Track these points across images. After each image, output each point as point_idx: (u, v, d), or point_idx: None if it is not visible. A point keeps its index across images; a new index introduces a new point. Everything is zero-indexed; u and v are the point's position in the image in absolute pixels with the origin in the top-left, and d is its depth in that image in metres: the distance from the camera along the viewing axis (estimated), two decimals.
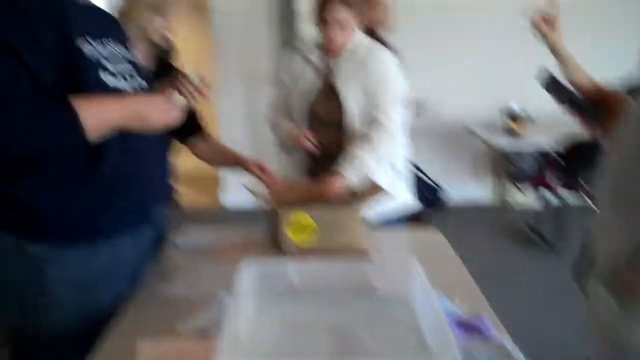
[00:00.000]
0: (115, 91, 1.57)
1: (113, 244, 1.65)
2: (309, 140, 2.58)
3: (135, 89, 1.65)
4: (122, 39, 1.71)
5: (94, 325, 1.55)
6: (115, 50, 1.63)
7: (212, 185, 6.18)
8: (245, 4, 5.56)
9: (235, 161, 2.34)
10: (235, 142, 5.45)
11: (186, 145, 2.44)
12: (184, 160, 6.97)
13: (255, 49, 5.60)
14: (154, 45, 2.31)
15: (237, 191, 4.91)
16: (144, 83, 1.72)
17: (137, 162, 1.64)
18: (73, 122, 1.42)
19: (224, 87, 5.71)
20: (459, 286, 1.71)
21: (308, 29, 5.32)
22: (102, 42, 1.59)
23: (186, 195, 6.07)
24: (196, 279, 1.83)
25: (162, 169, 1.79)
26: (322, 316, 1.47)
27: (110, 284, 1.66)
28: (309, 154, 2.64)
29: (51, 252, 1.56)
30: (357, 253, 1.93)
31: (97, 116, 1.47)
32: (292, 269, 1.55)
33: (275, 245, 2.08)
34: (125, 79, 1.63)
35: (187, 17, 6.59)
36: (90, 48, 1.53)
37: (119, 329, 1.53)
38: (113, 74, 1.58)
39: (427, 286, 1.39)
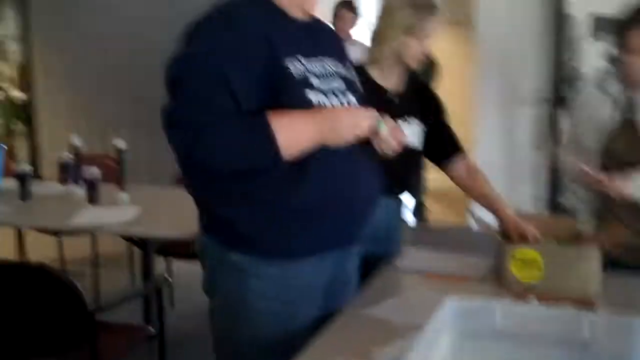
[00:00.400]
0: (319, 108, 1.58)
1: (313, 263, 1.64)
2: (602, 181, 2.14)
3: (344, 106, 1.65)
4: (339, 55, 1.71)
5: (292, 341, 1.57)
6: (328, 67, 1.64)
7: (461, 203, 6.06)
8: (512, 21, 5.36)
9: (490, 203, 2.18)
10: (490, 163, 5.30)
11: (440, 167, 2.33)
12: (434, 175, 7.00)
13: (519, 68, 5.37)
14: (407, 67, 2.23)
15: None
16: (354, 100, 1.69)
17: (340, 183, 1.61)
18: (268, 141, 1.45)
19: (483, 106, 5.56)
20: None
21: (587, 55, 4.98)
22: (313, 59, 1.60)
23: (434, 211, 6.03)
24: (404, 304, 1.78)
25: (368, 189, 1.71)
26: None
27: (309, 301, 1.66)
28: (601, 195, 2.26)
29: (253, 264, 1.59)
30: (581, 300, 1.73)
31: (290, 134, 1.47)
32: (500, 309, 1.43)
33: (498, 278, 1.96)
34: (335, 95, 1.62)
35: (450, 32, 6.55)
36: (299, 66, 1.56)
37: (317, 347, 1.52)
38: (322, 92, 1.59)
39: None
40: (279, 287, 1.61)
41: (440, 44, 6.55)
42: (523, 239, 2.00)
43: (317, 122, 1.52)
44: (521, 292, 1.85)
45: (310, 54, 1.61)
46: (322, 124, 1.52)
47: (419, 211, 6.19)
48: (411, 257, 2.20)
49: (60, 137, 4.17)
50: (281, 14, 1.61)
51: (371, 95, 2.05)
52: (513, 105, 5.44)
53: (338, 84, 1.66)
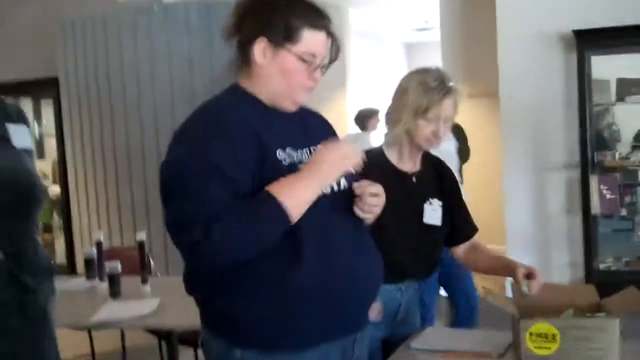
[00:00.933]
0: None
1: (319, 352, 1.60)
2: None
3: (335, 192, 1.64)
4: (330, 140, 1.71)
5: None
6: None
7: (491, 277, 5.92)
8: (537, 88, 5.37)
9: (506, 268, 2.13)
10: (523, 230, 5.22)
11: (450, 249, 2.31)
12: None
13: (548, 133, 5.33)
14: (421, 149, 2.21)
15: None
16: (344, 182, 1.67)
17: (340, 270, 1.58)
18: (279, 212, 1.47)
19: (513, 173, 5.52)
20: None
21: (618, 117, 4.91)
22: (303, 149, 1.63)
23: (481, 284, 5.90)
24: None
25: (370, 273, 1.68)
26: None
27: None
28: None
29: (258, 358, 1.57)
30: None
31: (294, 199, 1.50)
32: None
33: (516, 354, 1.91)
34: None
35: (475, 103, 6.58)
36: (288, 156, 1.58)
37: None
38: None
39: None
40: None
41: (466, 115, 6.61)
42: (530, 276, 2.00)
43: (309, 176, 1.53)
44: None
45: (299, 144, 1.63)
46: (313, 174, 1.54)
47: None
48: (427, 337, 2.15)
49: (92, 230, 4.29)
50: (268, 109, 1.63)
51: (390, 178, 2.07)
52: (543, 171, 5.38)
53: None
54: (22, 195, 1.69)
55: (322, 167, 1.54)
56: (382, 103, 7.79)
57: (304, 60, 1.59)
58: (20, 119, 1.83)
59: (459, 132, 5.91)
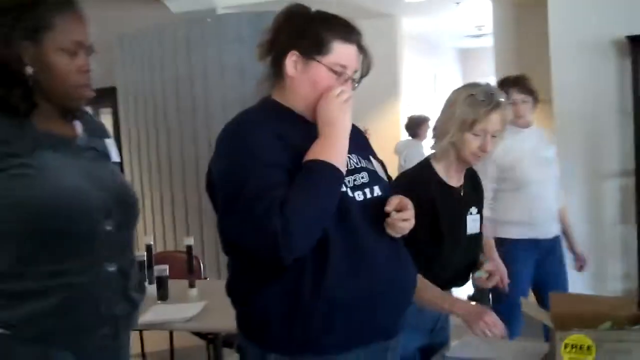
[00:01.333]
0: (348, 200, 1.61)
1: (351, 357, 1.61)
2: None
3: (368, 198, 1.66)
4: (361, 149, 1.75)
5: None
6: (351, 162, 1.68)
7: None
8: (590, 93, 5.27)
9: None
10: (579, 240, 5.12)
11: None
12: None
13: (601, 141, 5.24)
14: (468, 163, 2.20)
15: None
16: (378, 191, 1.69)
17: (373, 275, 1.60)
18: (332, 169, 1.55)
19: (567, 182, 5.41)
20: None
21: None
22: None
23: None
24: None
25: (403, 280, 1.70)
26: None
27: None
28: None
29: None
30: None
31: (333, 154, 1.56)
32: None
33: None
34: (359, 188, 1.65)
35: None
36: None
37: None
38: (348, 187, 1.63)
39: None
40: None
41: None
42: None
43: (326, 134, 1.59)
44: None
45: None
46: (327, 129, 1.59)
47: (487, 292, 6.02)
48: (462, 346, 2.16)
49: (147, 234, 4.41)
50: (298, 119, 1.67)
51: (440, 194, 2.14)
52: (598, 179, 5.27)
53: (362, 178, 1.69)
54: (132, 209, 1.69)
55: (328, 118, 1.59)
56: (435, 111, 7.80)
57: (334, 72, 1.63)
58: (108, 133, 1.82)
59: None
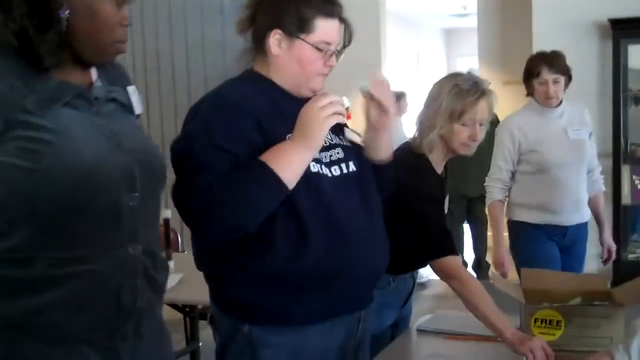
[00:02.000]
0: (318, 178, 1.61)
1: (323, 329, 1.64)
2: None
3: (344, 174, 1.67)
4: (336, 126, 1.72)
5: None
6: (326, 139, 1.65)
7: None
8: (572, 80, 5.30)
9: None
10: None
11: None
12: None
13: None
14: (456, 153, 2.16)
15: None
16: (354, 166, 1.69)
17: (345, 249, 1.60)
18: (274, 180, 1.51)
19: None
20: None
21: None
22: None
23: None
24: None
25: (376, 252, 1.70)
26: None
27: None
28: None
29: (263, 334, 1.60)
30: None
31: (286, 166, 1.53)
32: None
33: None
34: (335, 164, 1.66)
35: (512, 90, 6.52)
36: None
37: None
38: (320, 162, 1.62)
39: None
40: (291, 354, 1.62)
41: (502, 102, 6.54)
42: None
43: (295, 141, 1.55)
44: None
45: None
46: (297, 137, 1.55)
47: (479, 267, 6.11)
48: (432, 319, 2.19)
49: None
50: (281, 93, 1.66)
51: (438, 184, 2.14)
52: None
53: (338, 153, 1.69)
54: (158, 174, 1.38)
55: (305, 127, 1.55)
56: (417, 88, 7.78)
57: (319, 49, 1.62)
58: (129, 79, 1.47)
59: (492, 120, 5.92)
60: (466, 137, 2.08)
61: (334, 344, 1.68)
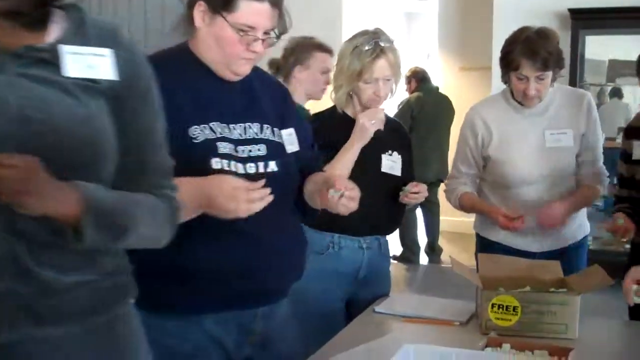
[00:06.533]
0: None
1: (213, 320, 1.58)
2: None
3: (260, 173, 1.57)
4: (274, 116, 1.66)
5: None
6: (251, 131, 1.59)
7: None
8: None
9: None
10: None
11: None
12: (449, 217, 6.91)
13: None
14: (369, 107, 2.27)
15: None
16: (274, 166, 1.60)
17: (234, 245, 1.54)
18: None
19: None
20: None
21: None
22: (232, 124, 1.57)
23: (448, 251, 5.96)
24: (373, 350, 1.75)
25: (283, 248, 1.62)
26: None
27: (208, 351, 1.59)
28: None
29: (148, 316, 1.44)
30: (557, 348, 1.68)
31: None
32: (456, 356, 1.41)
33: (477, 323, 1.95)
34: (252, 161, 1.57)
35: (471, 77, 6.57)
36: (210, 132, 1.53)
37: None
38: (233, 158, 1.53)
39: None
40: (176, 345, 1.56)
41: (459, 87, 6.60)
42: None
43: (197, 196, 1.43)
44: (497, 339, 1.81)
45: (233, 118, 1.57)
46: (200, 198, 1.43)
47: (432, 251, 6.17)
48: (392, 302, 2.18)
49: None
50: (208, 74, 1.58)
51: (347, 130, 2.22)
52: None
53: (259, 150, 1.59)
54: (58, 157, 1.08)
55: (210, 202, 1.42)
56: None
57: (240, 31, 1.53)
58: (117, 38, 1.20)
59: (446, 102, 5.96)
60: (372, 93, 2.21)
61: (226, 337, 1.61)
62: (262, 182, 1.44)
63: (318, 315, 2.14)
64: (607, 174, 2.40)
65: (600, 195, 2.40)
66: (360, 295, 2.26)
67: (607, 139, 5.79)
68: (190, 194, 1.41)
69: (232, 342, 1.62)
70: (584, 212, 2.47)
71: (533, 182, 2.36)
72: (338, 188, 1.57)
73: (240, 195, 1.41)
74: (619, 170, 2.41)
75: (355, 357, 1.70)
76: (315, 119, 2.36)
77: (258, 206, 1.43)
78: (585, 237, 2.50)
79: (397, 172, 2.31)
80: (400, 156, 2.33)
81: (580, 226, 2.45)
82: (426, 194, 2.28)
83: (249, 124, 1.60)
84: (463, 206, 2.48)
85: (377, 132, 2.25)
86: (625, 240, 2.14)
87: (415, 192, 2.22)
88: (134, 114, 1.20)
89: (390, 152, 2.31)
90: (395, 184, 2.27)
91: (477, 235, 2.56)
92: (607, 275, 1.91)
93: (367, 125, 2.19)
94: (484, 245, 2.48)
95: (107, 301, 1.21)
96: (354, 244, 2.24)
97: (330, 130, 2.22)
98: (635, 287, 1.64)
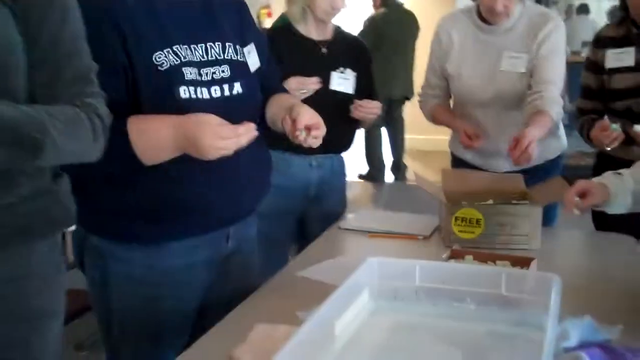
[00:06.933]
0: (190, 104, 1.44)
1: (183, 247, 1.55)
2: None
3: (226, 96, 1.51)
4: (235, 35, 1.58)
5: (162, 324, 1.55)
6: (213, 52, 1.51)
7: (441, 160, 6.03)
8: None
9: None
10: None
11: None
12: (414, 135, 6.96)
13: None
14: (324, 22, 2.30)
15: None
16: (239, 88, 1.54)
17: (205, 173, 1.49)
18: (125, 150, 1.36)
19: None
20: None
21: None
22: (199, 46, 1.49)
23: (413, 169, 6.02)
24: (339, 265, 1.77)
25: (249, 170, 1.58)
26: (437, 322, 1.34)
27: (183, 283, 1.57)
28: None
29: (112, 247, 1.51)
30: (518, 258, 1.71)
31: (147, 144, 1.38)
32: (420, 268, 1.43)
33: (442, 237, 1.98)
34: (217, 84, 1.50)
35: None
36: (174, 58, 1.44)
37: (243, 310, 1.51)
38: (198, 83, 1.46)
39: (556, 310, 1.18)
40: (147, 270, 1.53)
41: (425, 4, 6.47)
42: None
43: (177, 138, 1.38)
44: (460, 251, 1.85)
45: (194, 39, 1.49)
46: (180, 140, 1.38)
47: (397, 170, 6.23)
48: (359, 218, 2.20)
49: None
50: None
51: (298, 47, 2.25)
52: None
53: (223, 72, 1.52)
54: None
55: (196, 143, 1.36)
56: None
57: None
58: None
59: (411, 19, 5.88)
60: (328, 5, 2.22)
61: (197, 259, 1.58)
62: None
63: (268, 232, 2.08)
64: (561, 102, 2.25)
65: (550, 124, 2.20)
66: (312, 213, 2.30)
67: (572, 52, 5.83)
68: (167, 136, 1.38)
69: (201, 265, 1.60)
70: (560, 128, 2.45)
71: (487, 103, 2.33)
72: (301, 128, 1.51)
73: (227, 133, 1.36)
74: (584, 81, 2.38)
75: (321, 272, 1.71)
76: (269, 33, 2.34)
77: (244, 140, 1.38)
78: (559, 156, 2.48)
79: (349, 89, 2.28)
80: (355, 73, 2.30)
81: (553, 144, 2.42)
82: (378, 111, 2.27)
83: (210, 43, 1.52)
84: (434, 118, 2.49)
85: (330, 49, 2.26)
86: (609, 148, 2.10)
87: (366, 106, 2.21)
88: (41, 22, 1.15)
89: (342, 69, 2.28)
90: (346, 102, 2.24)
91: (452, 154, 2.57)
92: (569, 186, 1.93)
93: (297, 95, 2.06)
94: (457, 165, 2.52)
95: (25, 227, 1.20)
96: (304, 162, 2.24)
97: (281, 47, 2.19)
98: (576, 199, 1.67)
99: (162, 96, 1.42)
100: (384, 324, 1.35)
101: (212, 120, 1.38)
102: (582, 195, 1.67)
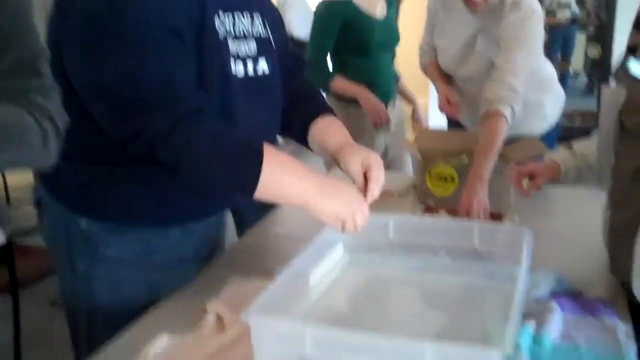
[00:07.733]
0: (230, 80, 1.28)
1: (177, 229, 1.44)
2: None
3: (246, 75, 1.33)
4: (258, 7, 1.41)
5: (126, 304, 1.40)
6: (242, 25, 1.34)
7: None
8: None
9: None
10: None
11: None
12: None
13: None
14: None
15: None
16: (265, 67, 1.37)
17: None
18: (252, 170, 1.19)
19: None
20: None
21: None
22: (229, 15, 1.30)
23: None
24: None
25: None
26: (411, 274, 1.35)
27: (178, 267, 1.46)
28: None
29: (105, 233, 1.37)
30: (492, 213, 1.73)
31: (275, 180, 1.21)
32: (393, 222, 1.44)
33: (415, 194, 1.98)
34: (245, 63, 1.32)
35: None
36: (222, 25, 1.28)
37: (215, 268, 1.51)
38: (239, 58, 1.31)
39: (527, 262, 1.20)
40: (138, 256, 1.40)
41: None
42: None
43: (308, 181, 1.24)
44: (434, 207, 1.86)
45: (228, 6, 1.30)
46: (314, 184, 1.25)
47: None
48: (335, 175, 2.19)
49: None
50: None
51: None
52: None
53: (249, 48, 1.35)
54: None
55: (329, 190, 1.25)
56: None
57: None
58: None
59: None
60: None
61: (191, 244, 1.48)
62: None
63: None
64: (518, 90, 2.01)
65: (505, 127, 1.96)
66: None
67: (547, 12, 5.81)
68: (310, 182, 1.24)
69: (191, 248, 1.49)
70: (547, 107, 2.42)
71: (466, 79, 2.36)
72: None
73: (361, 211, 1.27)
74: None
75: (302, 227, 1.71)
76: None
77: (360, 228, 1.27)
78: (555, 126, 2.49)
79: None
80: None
81: (540, 124, 2.42)
82: None
83: (239, 15, 1.33)
84: (426, 73, 2.57)
85: None
86: None
87: None
88: None
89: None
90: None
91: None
92: (543, 145, 1.95)
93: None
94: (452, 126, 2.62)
95: None
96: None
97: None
98: (525, 181, 1.74)
99: (218, 68, 1.26)
100: (358, 276, 1.37)
101: (355, 192, 1.31)
102: (531, 177, 1.74)
